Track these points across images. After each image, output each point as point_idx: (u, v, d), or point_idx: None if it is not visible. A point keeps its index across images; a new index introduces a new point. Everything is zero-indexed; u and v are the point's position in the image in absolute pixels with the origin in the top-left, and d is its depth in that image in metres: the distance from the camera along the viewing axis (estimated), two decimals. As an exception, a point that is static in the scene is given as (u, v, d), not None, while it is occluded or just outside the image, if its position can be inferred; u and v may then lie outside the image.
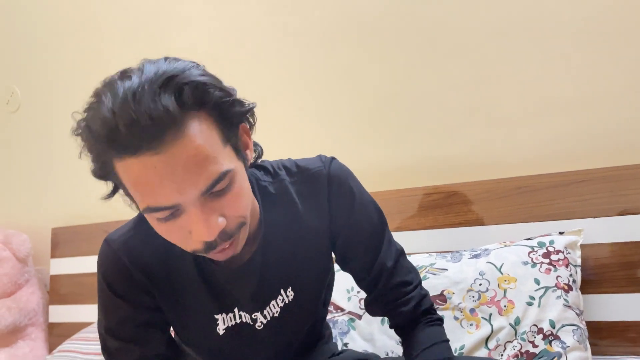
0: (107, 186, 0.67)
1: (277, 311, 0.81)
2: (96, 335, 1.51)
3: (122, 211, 1.93)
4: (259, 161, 0.81)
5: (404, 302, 0.85)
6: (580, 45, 1.29)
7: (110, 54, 1.93)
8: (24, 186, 2.15)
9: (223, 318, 0.79)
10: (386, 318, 1.21)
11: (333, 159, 0.82)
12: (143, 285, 0.75)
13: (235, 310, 0.79)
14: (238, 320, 0.80)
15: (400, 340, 0.89)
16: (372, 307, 0.89)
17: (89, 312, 1.89)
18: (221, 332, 0.80)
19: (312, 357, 0.95)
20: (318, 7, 1.57)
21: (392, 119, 1.50)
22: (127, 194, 0.64)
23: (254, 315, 0.80)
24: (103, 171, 0.62)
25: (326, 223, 0.80)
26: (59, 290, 1.97)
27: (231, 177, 0.61)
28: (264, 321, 0.81)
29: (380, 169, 1.51)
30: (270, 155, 0.85)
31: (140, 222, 0.77)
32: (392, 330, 0.92)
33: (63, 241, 1.99)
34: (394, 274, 0.85)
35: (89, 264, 1.93)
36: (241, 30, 1.65)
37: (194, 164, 0.58)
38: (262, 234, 0.77)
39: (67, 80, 2.02)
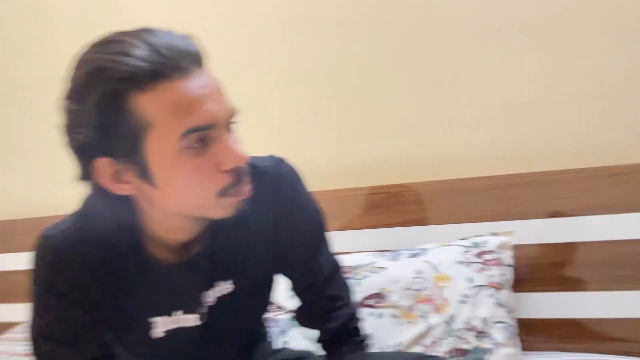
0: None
1: (215, 303, 0.80)
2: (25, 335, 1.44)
3: (55, 206, 1.84)
4: None
5: (332, 317, 0.86)
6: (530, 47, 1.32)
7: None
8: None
9: (164, 320, 0.78)
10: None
11: (282, 159, 0.82)
12: (83, 284, 0.73)
13: (178, 313, 0.78)
14: (179, 325, 0.79)
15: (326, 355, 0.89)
16: (302, 316, 0.91)
17: (17, 312, 1.79)
18: (160, 334, 0.78)
19: (252, 356, 0.95)
20: (284, 1, 1.54)
21: (340, 118, 1.51)
22: (135, 150, 0.61)
23: (197, 311, 0.79)
24: (110, 115, 0.59)
25: (270, 222, 0.81)
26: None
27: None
28: (204, 315, 0.79)
29: (325, 168, 1.51)
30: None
31: (80, 217, 0.74)
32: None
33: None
34: (327, 285, 0.87)
35: (18, 261, 1.84)
36: (206, 20, 1.60)
37: (221, 90, 0.65)
38: (210, 229, 0.75)
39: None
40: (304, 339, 1.25)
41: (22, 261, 1.81)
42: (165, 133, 0.60)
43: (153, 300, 0.77)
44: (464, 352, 1.10)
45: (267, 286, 0.88)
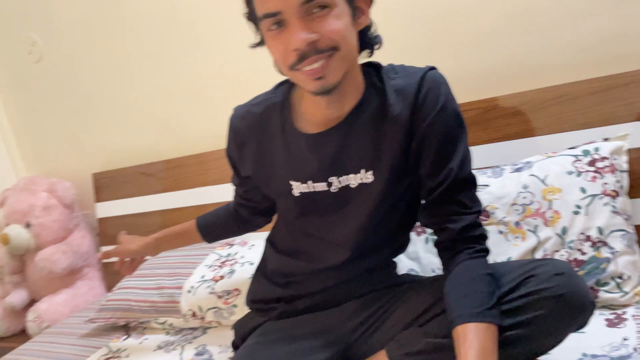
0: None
1: (353, 184, 0.89)
2: (151, 271, 1.59)
3: (158, 153, 1.96)
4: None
5: (454, 219, 0.85)
6: None
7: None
8: (61, 135, 2.19)
9: (297, 185, 0.92)
10: (430, 238, 1.24)
11: (434, 67, 0.88)
12: (241, 153, 0.99)
13: (310, 182, 0.91)
14: (311, 190, 0.91)
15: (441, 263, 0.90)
16: (425, 214, 0.91)
17: (139, 251, 1.97)
18: (296, 194, 0.93)
19: (375, 277, 0.99)
20: None
21: (419, 30, 1.44)
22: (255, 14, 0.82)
23: (330, 179, 0.90)
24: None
25: (410, 119, 0.85)
26: (107, 232, 2.06)
27: (332, 4, 0.76)
28: (338, 186, 0.90)
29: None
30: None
31: (254, 98, 0.98)
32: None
33: (104, 185, 2.05)
34: (456, 191, 0.85)
35: (131, 206, 2.00)
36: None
37: None
38: (352, 110, 0.87)
39: (87, 27, 1.98)
40: (408, 259, 1.27)
41: (134, 206, 1.98)
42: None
43: (291, 166, 0.92)
44: (579, 263, 1.08)
45: (404, 184, 0.91)
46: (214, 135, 1.76)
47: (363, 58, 0.90)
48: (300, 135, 0.90)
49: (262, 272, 1.08)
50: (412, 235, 1.29)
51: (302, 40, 0.75)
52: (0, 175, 2.23)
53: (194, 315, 1.40)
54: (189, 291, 1.42)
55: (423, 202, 0.92)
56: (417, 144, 0.86)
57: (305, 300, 0.99)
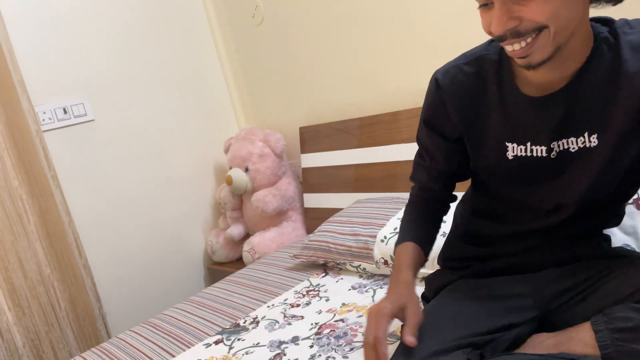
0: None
1: (573, 148, 0.84)
2: (348, 219, 1.72)
3: (357, 110, 2.07)
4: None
5: None
6: None
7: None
8: (275, 91, 2.45)
9: (513, 147, 0.88)
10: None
11: None
12: (449, 114, 0.94)
13: (528, 144, 0.87)
14: (529, 153, 0.87)
15: None
16: None
17: (336, 200, 2.14)
18: (510, 157, 0.89)
19: (581, 246, 0.93)
20: None
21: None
22: None
23: (552, 144, 0.85)
24: None
25: None
26: (309, 181, 2.27)
27: None
28: (557, 151, 0.85)
29: None
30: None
31: (461, 56, 0.94)
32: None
33: (309, 138, 2.25)
34: None
35: (330, 158, 2.16)
36: None
37: None
38: (579, 70, 0.81)
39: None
40: (623, 234, 1.16)
41: (333, 158, 2.13)
42: None
43: (509, 127, 0.88)
44: None
45: (632, 150, 0.83)
46: (408, 94, 1.79)
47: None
48: (522, 96, 0.85)
49: (455, 233, 1.08)
50: (632, 208, 1.16)
51: (500, 27, 0.74)
52: (226, 125, 2.60)
53: (385, 263, 1.48)
54: (382, 240, 1.50)
55: None
56: None
57: (502, 261, 0.98)
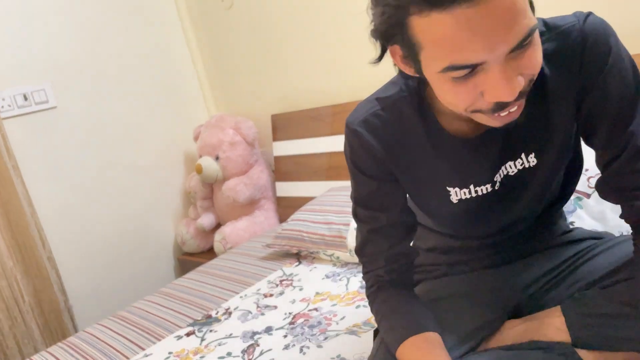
0: (376, 50, 0.70)
1: (513, 172, 0.80)
2: (321, 207, 1.71)
3: (327, 98, 2.05)
4: None
5: (637, 195, 0.74)
6: None
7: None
8: (246, 78, 2.40)
9: (456, 191, 0.82)
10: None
11: (590, 14, 0.72)
12: (383, 160, 0.81)
13: (471, 187, 0.81)
14: (473, 194, 0.82)
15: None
16: (603, 187, 0.80)
17: (309, 188, 2.13)
18: (454, 201, 0.83)
19: (541, 236, 0.93)
20: None
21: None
22: (413, 55, 0.64)
23: (495, 178, 0.80)
24: (389, 31, 0.63)
25: (574, 86, 0.73)
26: (282, 169, 2.24)
27: (533, 27, 0.58)
28: (499, 181, 0.81)
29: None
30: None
31: (373, 101, 0.82)
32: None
33: (281, 126, 2.22)
34: (637, 159, 0.73)
35: (303, 146, 2.14)
36: None
37: (509, 18, 0.56)
38: None
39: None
40: (592, 219, 1.18)
41: (304, 146, 2.11)
42: (430, 59, 0.62)
43: (447, 172, 0.81)
44: None
45: (568, 158, 0.83)
46: (380, 81, 1.77)
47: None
48: (453, 139, 0.78)
49: (419, 247, 1.03)
50: (597, 195, 1.18)
51: (515, 90, 0.60)
52: (195, 113, 2.55)
53: (359, 251, 1.48)
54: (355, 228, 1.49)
55: (600, 174, 0.80)
56: (586, 112, 0.75)
57: (465, 266, 0.96)
